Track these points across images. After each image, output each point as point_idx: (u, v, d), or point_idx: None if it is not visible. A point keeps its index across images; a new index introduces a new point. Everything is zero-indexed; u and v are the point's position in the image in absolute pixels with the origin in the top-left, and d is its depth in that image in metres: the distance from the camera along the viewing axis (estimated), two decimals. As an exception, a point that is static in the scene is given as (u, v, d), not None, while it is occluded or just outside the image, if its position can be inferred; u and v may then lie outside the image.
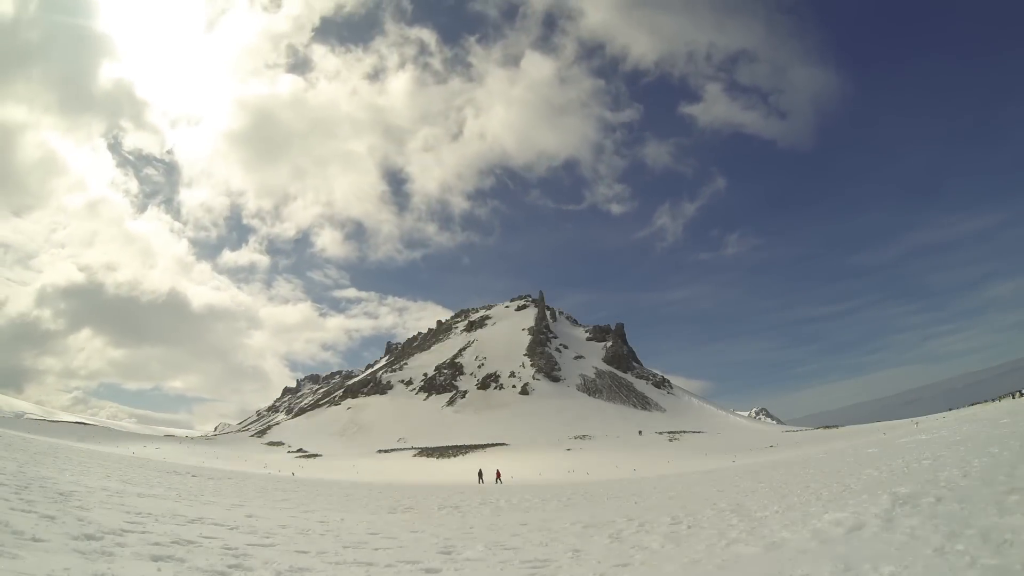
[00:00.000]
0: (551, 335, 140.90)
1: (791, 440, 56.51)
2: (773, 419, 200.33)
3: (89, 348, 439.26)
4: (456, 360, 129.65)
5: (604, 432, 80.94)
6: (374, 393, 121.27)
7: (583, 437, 76.74)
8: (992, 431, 15.53)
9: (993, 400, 45.43)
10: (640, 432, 72.82)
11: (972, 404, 45.24)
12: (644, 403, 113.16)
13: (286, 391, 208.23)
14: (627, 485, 21.15)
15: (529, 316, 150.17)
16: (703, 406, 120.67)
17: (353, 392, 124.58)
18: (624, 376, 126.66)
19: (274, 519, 9.82)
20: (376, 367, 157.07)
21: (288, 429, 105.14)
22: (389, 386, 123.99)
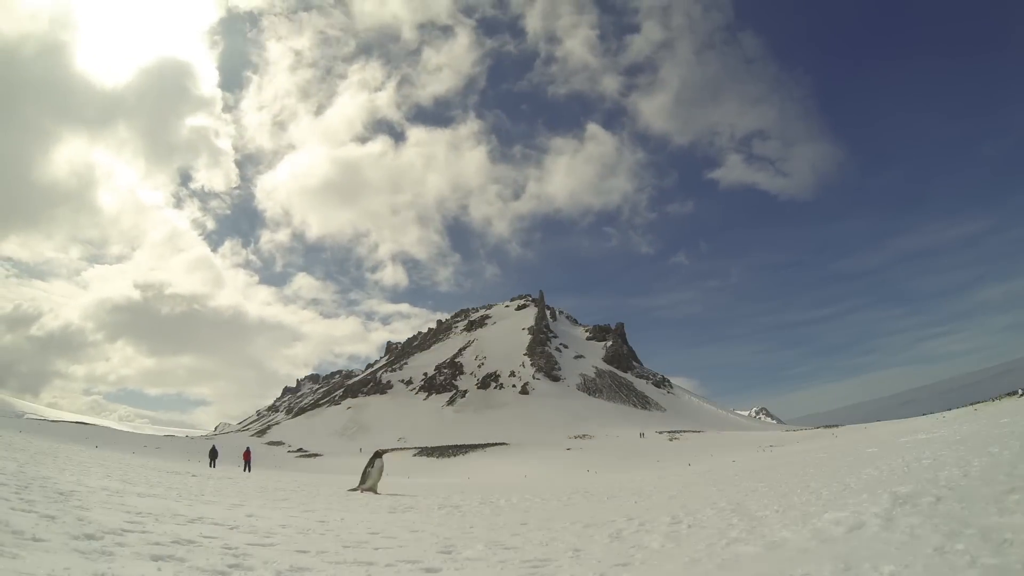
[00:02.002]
0: (551, 334, 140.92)
1: (791, 439, 56.49)
2: (773, 418, 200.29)
3: (121, 356, 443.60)
4: (456, 360, 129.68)
5: (604, 432, 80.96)
6: (374, 393, 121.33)
7: (583, 436, 76.77)
8: (992, 431, 15.53)
9: (993, 399, 45.41)
10: (642, 435, 72.64)
11: (973, 404, 45.21)
12: (644, 403, 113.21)
13: (286, 391, 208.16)
14: (627, 484, 21.14)
15: (529, 316, 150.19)
16: (703, 406, 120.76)
17: (353, 392, 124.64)
18: (624, 376, 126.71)
19: (274, 519, 9.82)
20: (376, 367, 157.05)
21: (288, 428, 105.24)
22: (389, 386, 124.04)
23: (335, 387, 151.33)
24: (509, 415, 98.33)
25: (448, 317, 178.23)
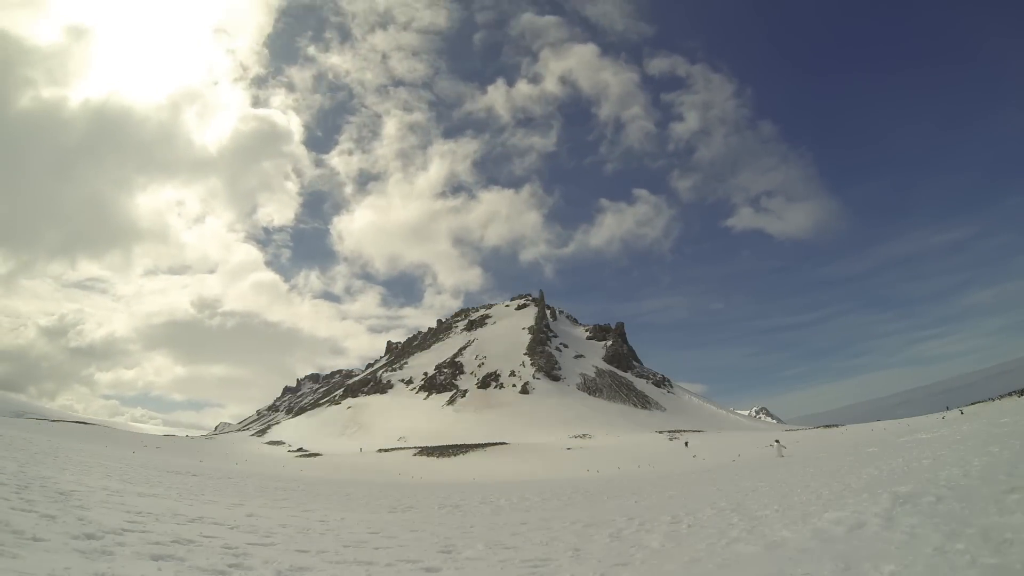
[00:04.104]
0: (551, 334, 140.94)
1: (791, 439, 56.46)
2: (773, 418, 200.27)
3: (153, 366, 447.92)
4: (456, 359, 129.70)
5: (604, 431, 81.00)
6: (374, 392, 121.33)
7: (583, 436, 76.82)
8: (992, 430, 15.53)
9: (992, 399, 45.45)
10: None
11: (972, 403, 45.25)
12: (644, 402, 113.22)
13: (286, 390, 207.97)
14: (627, 484, 21.15)
15: (529, 315, 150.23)
16: (703, 405, 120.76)
17: (353, 391, 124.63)
18: (624, 375, 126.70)
19: (274, 518, 9.83)
20: (376, 366, 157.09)
21: (288, 428, 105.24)
22: (389, 385, 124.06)
23: (335, 386, 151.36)
24: (509, 415, 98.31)
25: (448, 317, 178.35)
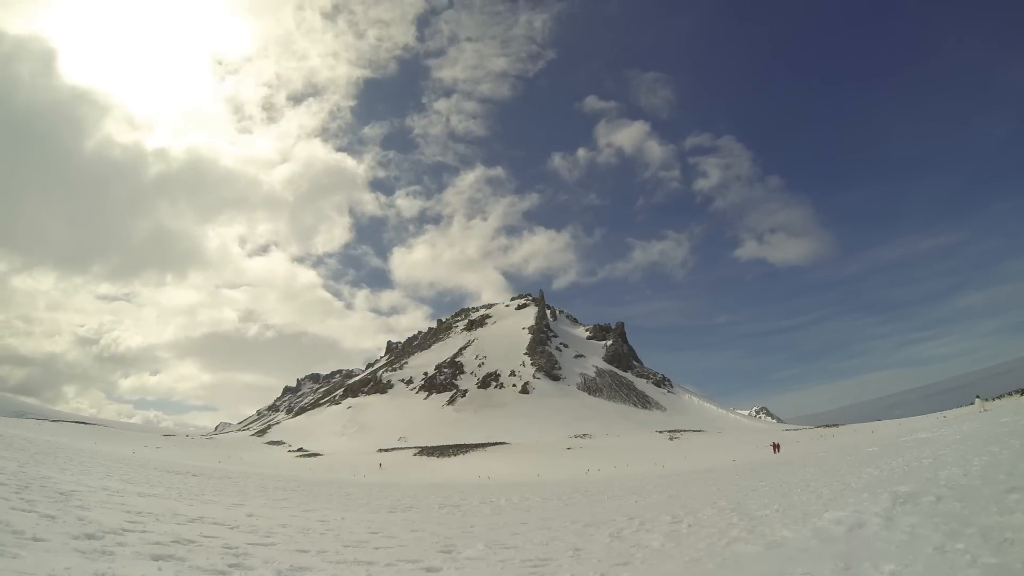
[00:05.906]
0: (551, 334, 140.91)
1: (791, 439, 56.52)
2: (774, 417, 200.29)
3: (178, 373, 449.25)
4: (456, 359, 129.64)
5: (605, 431, 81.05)
6: (374, 392, 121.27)
7: (583, 436, 76.82)
8: (992, 429, 15.54)
9: (991, 399, 45.51)
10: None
11: (971, 404, 45.27)
12: (644, 402, 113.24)
13: (286, 390, 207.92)
14: (627, 484, 21.16)
15: (529, 315, 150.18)
16: (703, 405, 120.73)
17: (353, 391, 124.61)
18: (624, 375, 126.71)
19: (275, 518, 9.84)
20: (376, 366, 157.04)
21: (288, 428, 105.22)
22: (389, 385, 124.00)
23: (335, 387, 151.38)
24: (509, 415, 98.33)
25: (449, 316, 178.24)
